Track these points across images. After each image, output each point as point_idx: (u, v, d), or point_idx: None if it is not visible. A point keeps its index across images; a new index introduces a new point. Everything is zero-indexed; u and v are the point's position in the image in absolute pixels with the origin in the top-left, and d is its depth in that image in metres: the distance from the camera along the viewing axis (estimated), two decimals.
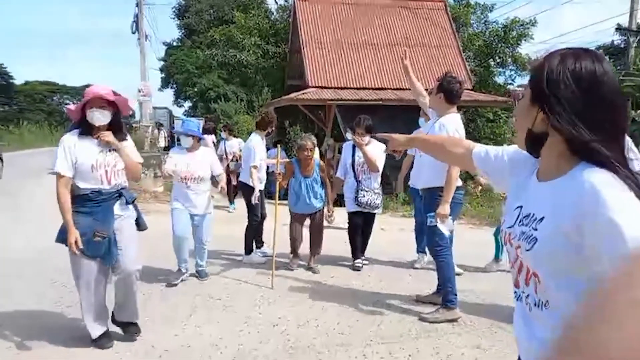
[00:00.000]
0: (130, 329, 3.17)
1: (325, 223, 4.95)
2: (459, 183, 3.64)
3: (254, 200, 4.88)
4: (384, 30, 11.82)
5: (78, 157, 2.85)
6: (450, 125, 3.45)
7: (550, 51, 1.05)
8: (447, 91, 3.50)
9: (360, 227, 4.89)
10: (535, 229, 0.99)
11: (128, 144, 3.07)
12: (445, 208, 3.38)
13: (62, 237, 2.82)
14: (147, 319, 3.37)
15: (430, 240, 3.58)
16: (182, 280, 4.31)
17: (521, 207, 1.08)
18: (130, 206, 3.06)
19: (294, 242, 4.88)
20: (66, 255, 2.93)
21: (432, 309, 3.61)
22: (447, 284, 3.54)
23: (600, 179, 0.90)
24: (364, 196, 4.70)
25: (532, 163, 1.12)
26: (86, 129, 2.89)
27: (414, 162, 3.90)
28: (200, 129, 4.71)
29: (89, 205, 2.86)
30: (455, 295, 3.55)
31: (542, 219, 0.98)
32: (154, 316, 3.50)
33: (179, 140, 4.49)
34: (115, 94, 2.91)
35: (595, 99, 0.95)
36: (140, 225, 3.13)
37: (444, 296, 3.56)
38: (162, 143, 16.69)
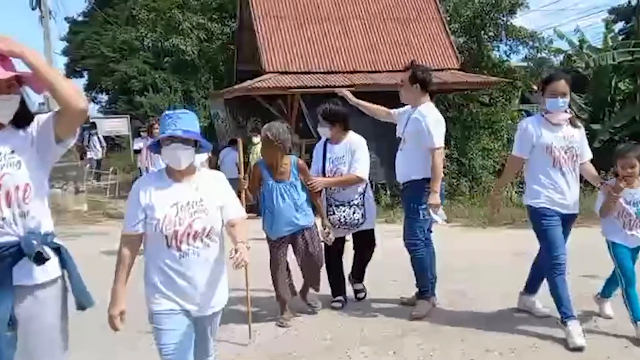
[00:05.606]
0: None
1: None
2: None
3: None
4: (353, 1, 12.69)
5: None
6: (429, 116, 4.31)
7: None
8: (423, 80, 4.35)
9: (335, 255, 4.76)
10: None
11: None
12: (435, 197, 4.21)
13: None
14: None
15: (410, 231, 4.39)
16: None
17: None
18: (54, 265, 2.18)
19: (279, 291, 4.40)
20: None
21: (416, 307, 4.46)
22: (423, 277, 4.43)
23: None
24: (333, 212, 4.55)
25: None
26: None
27: (396, 156, 4.55)
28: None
29: None
30: (432, 284, 4.52)
31: None
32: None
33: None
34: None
35: None
36: (78, 301, 2.26)
37: (422, 287, 4.46)
38: (98, 154, 15.90)
